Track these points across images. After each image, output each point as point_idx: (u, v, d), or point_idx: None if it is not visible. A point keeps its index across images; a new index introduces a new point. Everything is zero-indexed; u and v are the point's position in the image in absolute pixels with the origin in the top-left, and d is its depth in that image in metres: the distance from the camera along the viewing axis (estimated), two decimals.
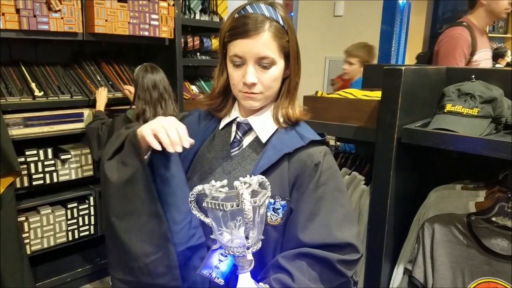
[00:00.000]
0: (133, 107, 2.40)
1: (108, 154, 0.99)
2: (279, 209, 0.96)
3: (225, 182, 0.85)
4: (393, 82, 1.33)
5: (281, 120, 1.01)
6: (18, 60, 2.50)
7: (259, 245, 0.86)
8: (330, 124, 1.55)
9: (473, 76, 1.44)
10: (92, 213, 2.64)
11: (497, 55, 4.76)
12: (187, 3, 3.02)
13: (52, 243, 2.48)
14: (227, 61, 0.98)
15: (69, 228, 2.54)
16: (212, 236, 0.87)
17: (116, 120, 2.40)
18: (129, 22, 2.46)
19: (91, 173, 2.60)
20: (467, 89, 1.38)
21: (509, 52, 4.74)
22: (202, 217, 0.88)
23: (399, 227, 1.49)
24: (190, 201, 0.87)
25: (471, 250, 1.31)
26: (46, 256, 2.58)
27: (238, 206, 0.78)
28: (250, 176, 0.85)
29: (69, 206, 2.53)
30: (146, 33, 2.57)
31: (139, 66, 2.41)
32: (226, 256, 0.92)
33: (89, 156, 2.55)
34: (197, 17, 3.14)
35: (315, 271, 0.92)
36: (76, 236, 2.59)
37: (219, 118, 1.08)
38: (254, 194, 0.82)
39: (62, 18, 2.20)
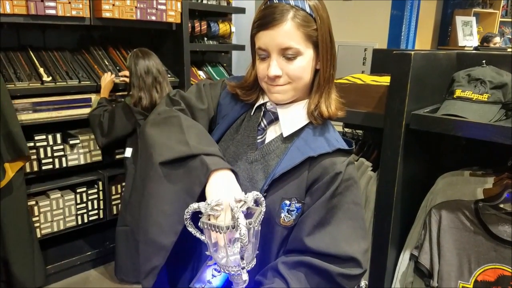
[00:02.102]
0: (131, 93, 2.41)
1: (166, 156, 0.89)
2: (293, 211, 0.94)
3: (220, 200, 0.81)
4: (402, 67, 1.31)
5: (315, 114, 0.96)
6: (26, 45, 2.51)
7: (254, 262, 0.85)
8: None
9: (483, 61, 1.41)
10: (101, 197, 2.68)
11: (484, 39, 4.69)
12: None
13: (61, 227, 2.52)
14: (256, 55, 0.95)
15: (78, 212, 2.58)
16: (207, 253, 0.86)
17: (117, 107, 2.41)
18: (136, 7, 2.45)
19: (99, 158, 2.63)
20: (478, 75, 1.35)
21: (497, 39, 4.64)
22: (198, 234, 0.85)
23: (406, 213, 1.49)
24: (186, 218, 0.83)
25: (478, 237, 1.31)
26: (56, 240, 2.63)
27: (234, 228, 0.76)
28: (262, 189, 0.84)
29: (78, 190, 2.56)
30: (153, 18, 2.56)
31: (130, 53, 2.41)
32: (219, 272, 0.91)
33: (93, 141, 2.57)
34: (205, 1, 3.11)
35: (313, 282, 0.90)
36: (85, 220, 2.63)
37: (245, 105, 1.04)
38: (249, 211, 0.81)
39: (69, 2, 2.19)
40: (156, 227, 0.87)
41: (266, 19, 0.87)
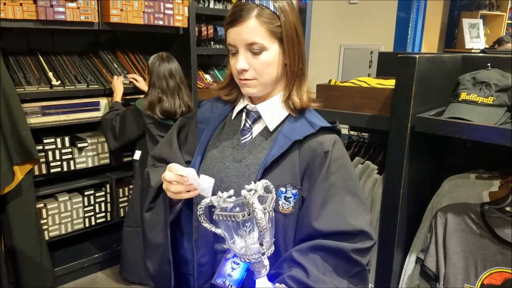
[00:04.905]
0: (141, 96, 2.42)
1: (145, 207, 1.06)
2: (290, 197, 0.96)
3: (231, 192, 0.86)
4: (407, 70, 1.32)
5: (289, 105, 1.01)
6: (36, 50, 2.55)
7: (273, 248, 0.87)
8: (344, 113, 1.54)
9: (489, 64, 1.41)
10: (109, 200, 2.70)
11: (497, 42, 4.62)
12: None
13: (69, 229, 2.55)
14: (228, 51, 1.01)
15: (86, 214, 2.61)
16: (224, 246, 0.89)
17: (127, 111, 2.43)
18: (143, 11, 2.48)
19: (107, 161, 2.65)
20: (483, 78, 1.35)
21: (509, 45, 4.54)
22: (213, 229, 0.88)
23: (412, 216, 1.49)
24: (199, 214, 0.87)
25: (484, 240, 1.30)
26: (64, 242, 2.66)
27: (249, 215, 0.79)
28: (256, 180, 0.87)
29: (86, 193, 2.59)
30: (161, 22, 2.58)
31: (154, 55, 2.43)
32: (238, 264, 0.93)
33: (105, 144, 2.59)
34: (211, 5, 3.14)
35: (329, 263, 0.92)
36: (93, 223, 2.65)
37: (231, 106, 1.10)
38: (260, 199, 0.83)
39: (78, 8, 2.23)
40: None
41: (233, 17, 0.95)
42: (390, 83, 1.54)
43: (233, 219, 0.79)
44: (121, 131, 2.42)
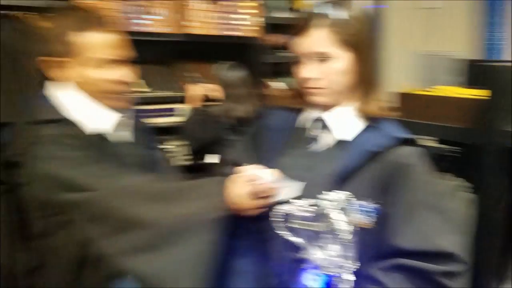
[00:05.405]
0: (216, 104, 2.49)
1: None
2: (368, 211, 0.91)
3: (313, 201, 0.84)
4: (503, 80, 1.21)
5: (362, 116, 0.99)
6: None
7: (357, 264, 0.84)
8: (430, 125, 1.44)
9: None
10: None
11: None
12: (274, 1, 3.05)
13: None
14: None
15: None
16: (302, 256, 0.86)
17: (203, 117, 2.51)
18: (219, 22, 2.57)
19: (186, 163, 2.75)
20: None
21: None
22: (290, 237, 0.87)
23: (509, 241, 1.35)
24: (276, 222, 0.86)
25: None
26: None
27: (332, 227, 0.77)
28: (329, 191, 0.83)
29: None
30: (234, 33, 2.65)
31: (223, 65, 2.51)
32: (317, 276, 0.90)
33: (182, 148, 2.71)
34: (283, 14, 3.16)
35: (413, 284, 0.86)
36: None
37: (298, 114, 1.08)
38: (343, 211, 0.81)
39: (158, 20, 2.37)
40: None
41: (303, 25, 0.97)
42: (474, 92, 1.43)
43: (316, 230, 0.78)
44: (199, 136, 2.52)
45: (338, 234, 0.76)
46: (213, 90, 2.76)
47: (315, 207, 0.83)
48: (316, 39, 0.94)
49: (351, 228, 0.79)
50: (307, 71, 0.96)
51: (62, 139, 1.04)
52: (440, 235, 0.88)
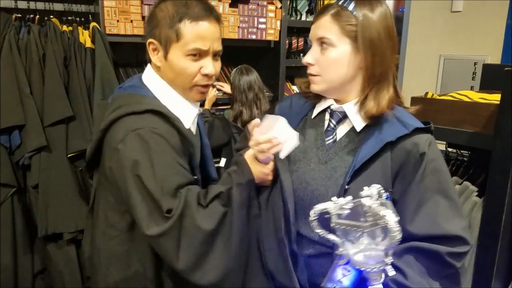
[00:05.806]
0: (229, 107, 2.54)
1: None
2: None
3: (349, 198, 0.84)
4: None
5: (363, 111, 0.97)
6: (143, 62, 2.80)
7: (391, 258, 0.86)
8: (442, 129, 1.44)
9: None
10: None
11: None
12: (293, 5, 3.06)
13: None
14: None
15: None
16: (337, 252, 0.89)
17: (215, 119, 2.57)
18: (238, 26, 2.60)
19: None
20: None
21: None
22: (327, 235, 0.87)
23: None
24: (312, 220, 0.86)
25: None
26: None
27: (376, 224, 0.78)
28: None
29: None
30: (254, 37, 2.68)
31: (235, 69, 2.56)
32: (349, 271, 0.92)
33: None
34: (303, 18, 3.17)
35: (423, 264, 0.92)
36: None
37: (311, 104, 1.09)
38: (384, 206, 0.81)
39: None
40: None
41: (316, 15, 1.00)
42: (495, 98, 1.42)
43: (360, 229, 0.79)
44: (208, 138, 2.56)
45: (390, 232, 0.76)
46: (224, 88, 2.81)
47: (351, 204, 0.82)
48: (320, 24, 0.97)
49: (398, 220, 0.78)
50: (307, 56, 0.99)
51: (159, 131, 1.01)
52: (448, 219, 0.92)
